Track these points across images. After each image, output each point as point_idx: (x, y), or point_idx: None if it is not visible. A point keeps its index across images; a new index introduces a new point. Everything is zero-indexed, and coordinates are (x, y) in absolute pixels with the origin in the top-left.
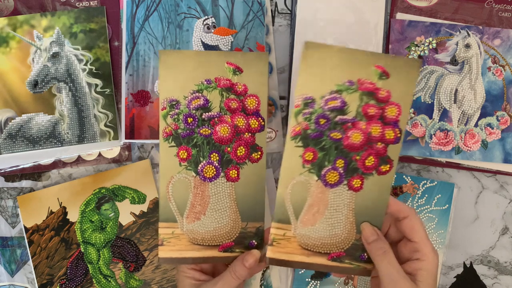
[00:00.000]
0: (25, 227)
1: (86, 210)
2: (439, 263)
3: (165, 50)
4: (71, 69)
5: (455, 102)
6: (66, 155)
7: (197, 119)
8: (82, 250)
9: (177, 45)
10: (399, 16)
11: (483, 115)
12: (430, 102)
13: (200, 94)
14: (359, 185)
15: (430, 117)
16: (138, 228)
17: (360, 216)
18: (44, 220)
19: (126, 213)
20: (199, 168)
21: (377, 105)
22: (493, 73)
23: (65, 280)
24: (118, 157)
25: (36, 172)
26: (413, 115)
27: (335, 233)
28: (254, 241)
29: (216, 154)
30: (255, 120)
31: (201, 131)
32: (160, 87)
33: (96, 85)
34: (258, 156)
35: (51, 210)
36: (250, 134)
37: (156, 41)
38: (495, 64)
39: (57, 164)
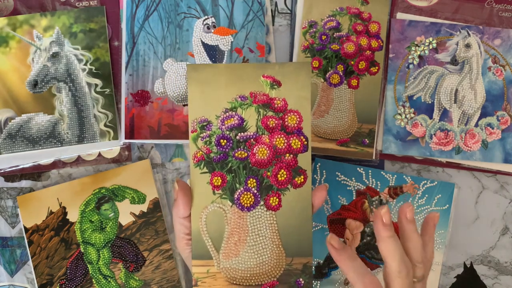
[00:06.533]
0: (24, 227)
1: (86, 210)
2: (440, 262)
3: (194, 64)
4: (71, 69)
5: (455, 102)
6: (66, 155)
7: (231, 141)
8: (82, 250)
9: (177, 45)
10: (399, 16)
11: (483, 115)
12: (430, 102)
13: (233, 113)
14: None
15: (430, 117)
16: (138, 228)
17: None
18: (44, 220)
19: (126, 213)
20: (235, 196)
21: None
22: (493, 73)
23: (65, 280)
24: (118, 157)
25: (36, 172)
26: (413, 115)
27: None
28: (301, 279)
29: (254, 180)
30: (296, 140)
31: (236, 154)
32: (190, 107)
33: (96, 85)
34: (302, 180)
35: (51, 210)
36: (291, 155)
37: (156, 41)
38: (495, 64)
39: (57, 164)
